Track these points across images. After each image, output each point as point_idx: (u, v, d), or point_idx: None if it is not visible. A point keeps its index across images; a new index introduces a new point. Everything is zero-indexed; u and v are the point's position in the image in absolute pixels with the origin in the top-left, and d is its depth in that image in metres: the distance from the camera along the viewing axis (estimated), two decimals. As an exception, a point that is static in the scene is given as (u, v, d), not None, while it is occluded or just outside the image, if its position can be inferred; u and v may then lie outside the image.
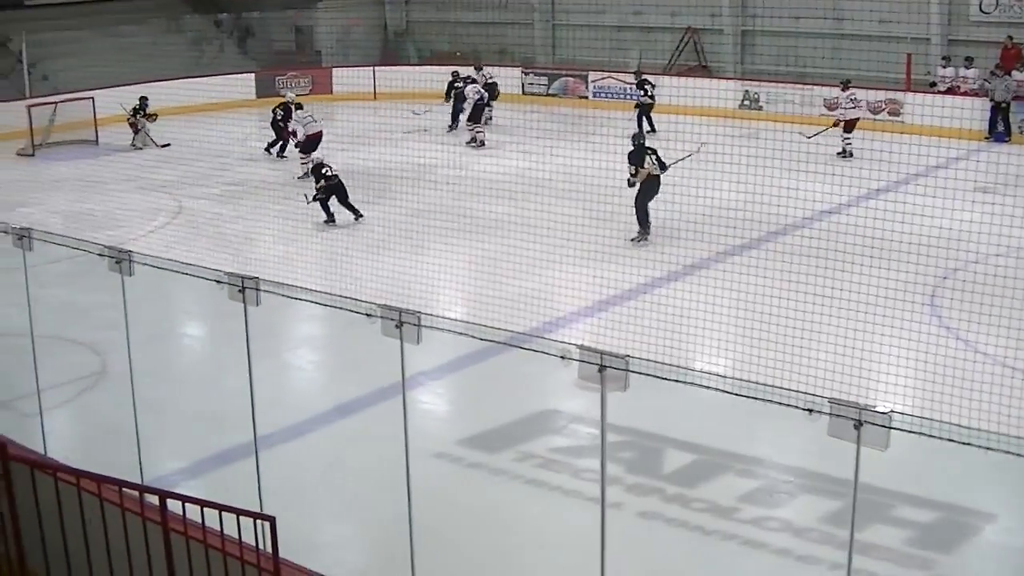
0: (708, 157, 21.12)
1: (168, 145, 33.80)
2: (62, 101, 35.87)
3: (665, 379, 7.64)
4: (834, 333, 15.32)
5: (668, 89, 34.00)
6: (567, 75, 40.60)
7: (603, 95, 39.02)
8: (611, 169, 21.20)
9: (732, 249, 20.38)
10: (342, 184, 24.16)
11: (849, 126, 30.11)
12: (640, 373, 7.55)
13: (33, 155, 34.30)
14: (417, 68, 42.21)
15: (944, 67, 35.00)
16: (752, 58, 39.32)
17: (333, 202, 24.18)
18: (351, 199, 24.06)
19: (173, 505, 9.30)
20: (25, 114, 34.80)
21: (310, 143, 28.30)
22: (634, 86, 35.05)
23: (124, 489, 9.68)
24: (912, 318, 16.12)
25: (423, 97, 33.91)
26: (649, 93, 33.98)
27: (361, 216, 24.04)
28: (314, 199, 23.93)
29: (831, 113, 32.72)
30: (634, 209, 22.33)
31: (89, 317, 18.74)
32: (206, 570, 9.06)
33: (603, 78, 39.37)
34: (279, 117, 31.77)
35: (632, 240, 22.33)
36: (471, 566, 11.71)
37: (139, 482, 10.46)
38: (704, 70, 39.21)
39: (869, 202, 20.48)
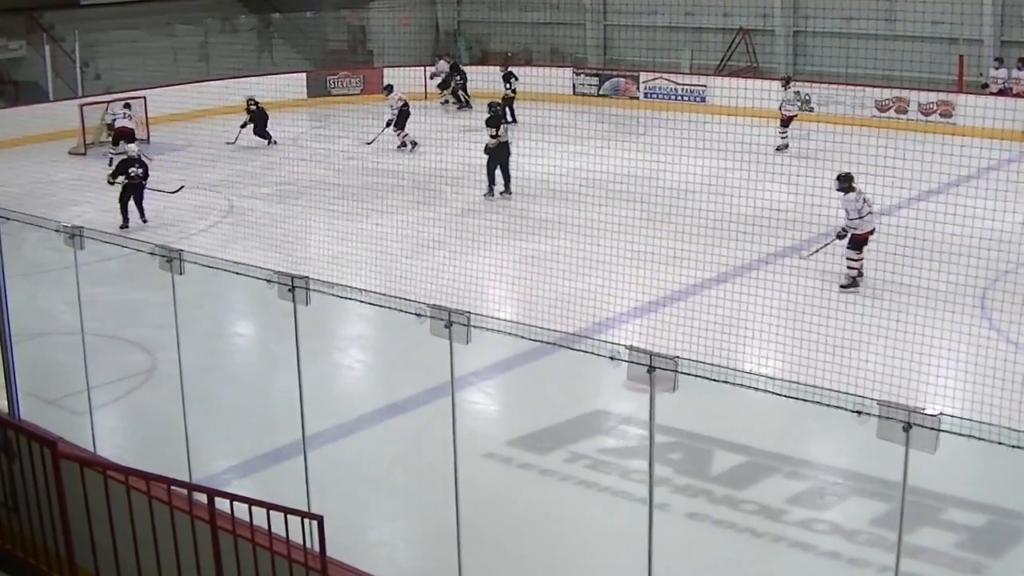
0: (760, 157, 21.02)
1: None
2: (114, 100, 36.05)
3: (714, 380, 7.62)
4: (884, 335, 15.28)
5: (719, 90, 34.00)
6: (618, 75, 40.52)
7: (654, 96, 38.88)
8: (662, 170, 21.16)
9: (782, 250, 20.32)
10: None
11: (786, 121, 30.77)
12: (689, 374, 7.55)
13: (85, 154, 34.51)
14: (469, 68, 42.18)
15: (996, 68, 34.72)
16: (803, 59, 39.16)
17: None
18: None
19: (221, 504, 9.36)
20: (78, 113, 35.06)
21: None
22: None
23: (173, 487, 9.76)
24: (962, 320, 16.01)
25: (477, 97, 33.95)
26: (512, 87, 35.85)
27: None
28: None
29: (881, 115, 32.66)
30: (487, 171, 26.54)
31: (139, 316, 18.87)
32: (254, 568, 9.12)
33: (654, 79, 39.25)
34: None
35: (484, 195, 26.58)
36: (519, 567, 11.73)
37: (188, 480, 10.52)
38: (755, 71, 39.08)
39: (920, 204, 20.34)
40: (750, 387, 7.79)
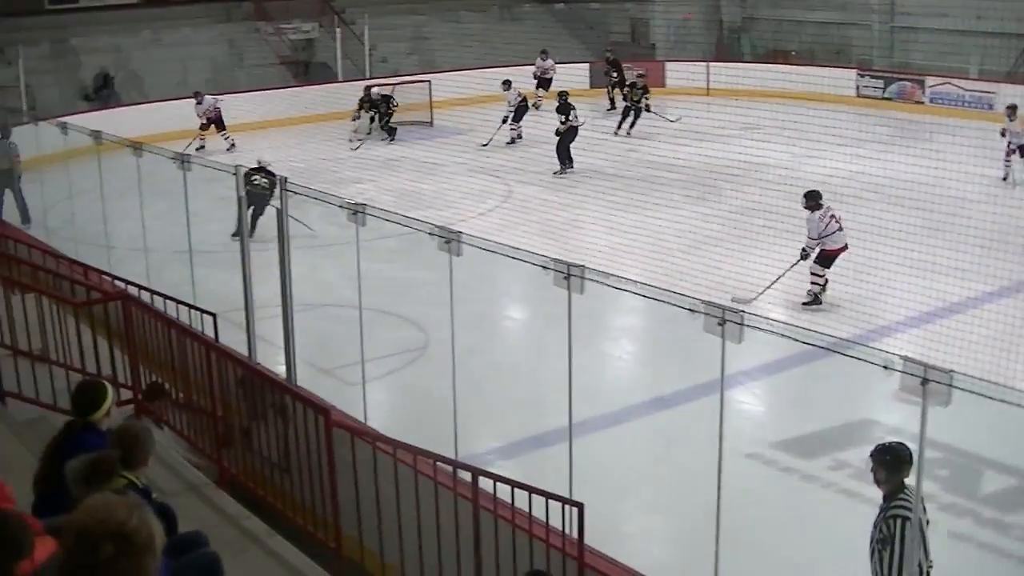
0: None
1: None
2: (400, 83, 36.86)
3: (990, 398, 7.46)
4: None
5: (1008, 97, 33.07)
6: (904, 79, 39.74)
7: (941, 101, 38.03)
8: (946, 177, 20.76)
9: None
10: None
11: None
12: (964, 389, 7.39)
13: (370, 134, 35.35)
14: (751, 65, 41.89)
15: None
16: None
17: None
18: None
19: (484, 483, 9.53)
20: (364, 95, 35.92)
21: None
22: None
23: (438, 463, 9.97)
24: None
25: (759, 95, 33.66)
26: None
27: None
28: None
29: None
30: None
31: (415, 293, 19.28)
32: (511, 549, 9.28)
33: (941, 83, 38.36)
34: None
35: (555, 174, 29.54)
36: (776, 569, 11.67)
37: (453, 457, 10.73)
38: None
39: None
40: (1026, 406, 7.61)
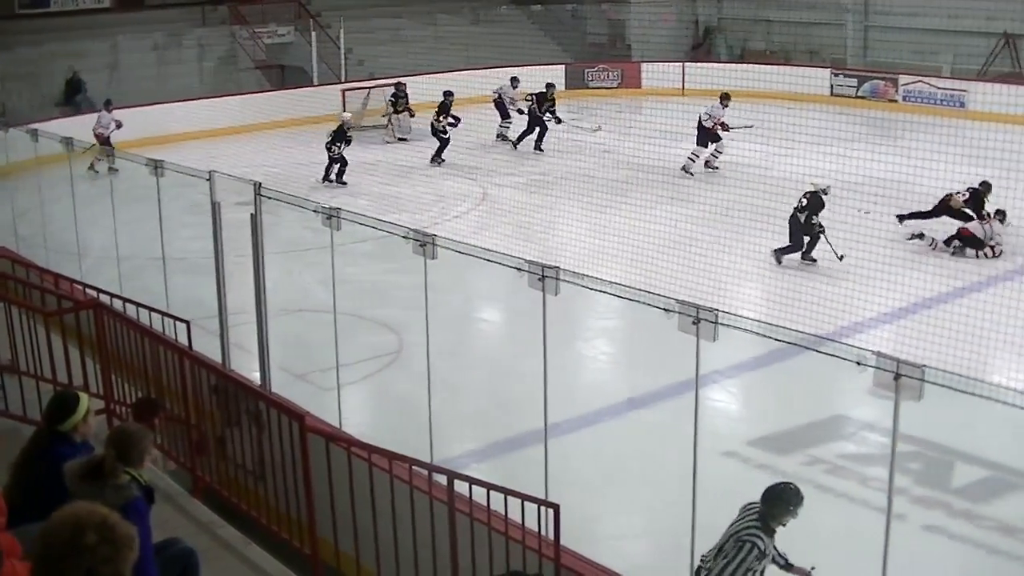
0: (1019, 167, 20.42)
1: (404, 140, 34.57)
2: (376, 86, 36.81)
3: (962, 391, 7.49)
4: None
5: (980, 96, 33.17)
6: (877, 78, 39.84)
7: (914, 99, 38.14)
8: (919, 175, 20.80)
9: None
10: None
11: None
12: (936, 384, 7.42)
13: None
14: (726, 65, 41.96)
15: None
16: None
17: None
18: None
19: (460, 486, 9.53)
20: (340, 98, 35.91)
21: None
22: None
23: (414, 467, 9.97)
24: None
25: (734, 95, 33.69)
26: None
27: None
28: None
29: None
30: None
31: (390, 297, 19.29)
32: (488, 551, 9.28)
33: (914, 82, 38.48)
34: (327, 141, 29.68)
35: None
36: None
37: (429, 461, 10.72)
38: (1018, 77, 37.96)
39: None
40: (997, 400, 7.63)
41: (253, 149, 32.80)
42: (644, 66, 42.88)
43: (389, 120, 35.41)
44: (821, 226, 20.30)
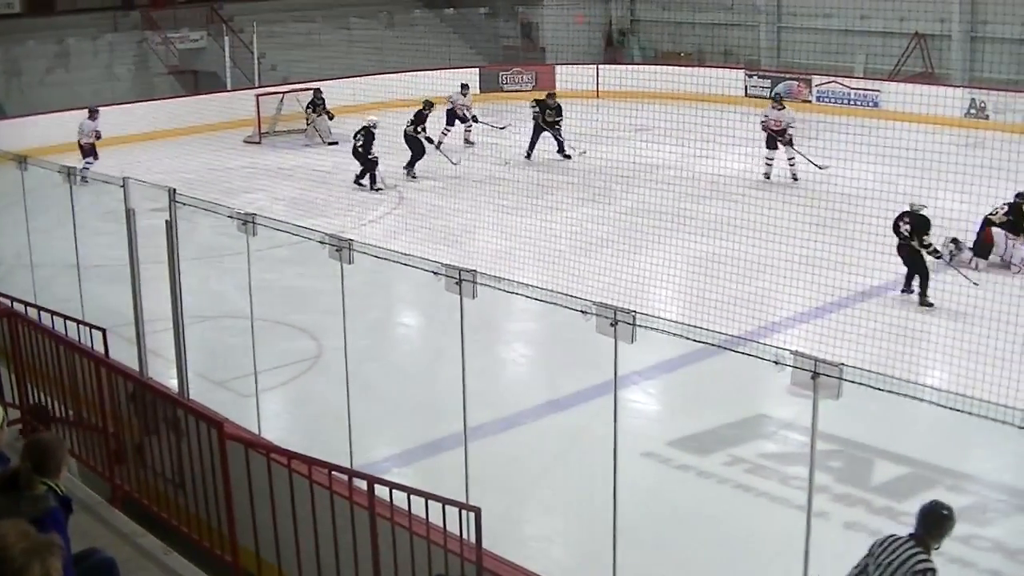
0: (934, 165, 20.60)
1: (335, 143, 34.32)
2: (290, 91, 36.69)
3: (879, 389, 7.54)
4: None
5: (893, 96, 33.48)
6: (791, 78, 40.15)
7: (827, 99, 38.49)
8: (833, 175, 20.98)
9: (954, 261, 20.00)
10: None
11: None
12: (853, 382, 7.47)
13: (260, 143, 35.27)
14: (640, 67, 42.14)
15: None
16: (980, 65, 38.32)
17: None
18: None
19: (381, 491, 9.50)
20: (253, 103, 35.76)
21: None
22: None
23: (334, 472, 9.92)
24: None
25: (649, 97, 33.75)
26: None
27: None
28: None
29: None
30: None
31: (308, 302, 19.20)
32: (410, 556, 9.25)
33: (827, 82, 38.82)
34: (359, 144, 29.10)
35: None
36: (674, 567, 11.73)
37: (349, 466, 10.68)
38: (930, 77, 38.38)
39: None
40: (914, 397, 7.70)
41: (168, 155, 32.54)
42: (558, 68, 42.97)
43: (309, 123, 35.31)
44: (936, 249, 19.30)
